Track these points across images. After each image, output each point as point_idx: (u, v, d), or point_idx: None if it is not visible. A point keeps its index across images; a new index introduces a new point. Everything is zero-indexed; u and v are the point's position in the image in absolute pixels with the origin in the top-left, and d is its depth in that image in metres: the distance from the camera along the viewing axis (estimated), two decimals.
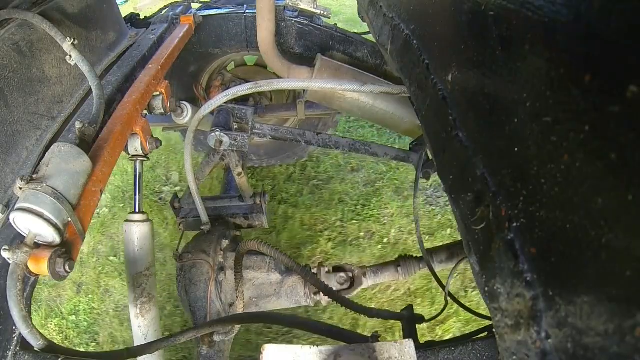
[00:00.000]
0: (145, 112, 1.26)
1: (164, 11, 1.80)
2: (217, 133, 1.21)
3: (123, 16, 1.63)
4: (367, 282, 1.21)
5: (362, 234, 2.25)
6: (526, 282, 0.34)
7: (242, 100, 1.81)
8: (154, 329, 1.19)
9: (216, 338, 1.04)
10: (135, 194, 1.20)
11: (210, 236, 1.23)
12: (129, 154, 1.17)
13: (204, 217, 1.26)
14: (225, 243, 1.21)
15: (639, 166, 0.25)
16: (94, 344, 1.88)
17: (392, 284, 1.96)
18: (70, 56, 0.99)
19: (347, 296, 1.08)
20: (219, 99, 1.10)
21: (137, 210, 1.19)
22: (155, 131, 1.55)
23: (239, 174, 1.35)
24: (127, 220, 1.17)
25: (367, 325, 1.83)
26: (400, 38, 0.77)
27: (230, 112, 1.32)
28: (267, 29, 1.60)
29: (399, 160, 1.49)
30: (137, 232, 1.16)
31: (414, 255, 1.23)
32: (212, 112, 1.42)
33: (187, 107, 1.51)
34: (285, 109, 2.01)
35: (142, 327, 1.16)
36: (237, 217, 1.41)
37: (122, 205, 2.50)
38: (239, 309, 1.09)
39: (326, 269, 1.19)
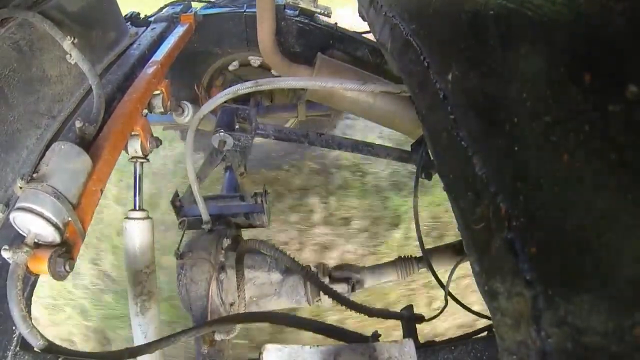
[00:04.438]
0: (145, 111, 1.26)
1: (164, 10, 1.80)
2: (220, 133, 1.22)
3: (123, 15, 1.63)
4: (367, 283, 1.21)
5: None
6: (526, 281, 0.34)
7: (243, 101, 1.82)
8: (154, 326, 1.19)
9: (217, 337, 1.04)
10: (135, 193, 1.21)
11: (211, 235, 1.23)
12: (128, 153, 1.17)
13: (206, 215, 1.26)
14: (226, 242, 1.21)
15: (638, 166, 0.25)
16: None
17: None
18: (70, 55, 0.99)
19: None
20: (219, 97, 1.10)
21: (137, 208, 1.19)
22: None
23: (241, 174, 1.35)
24: (127, 218, 1.17)
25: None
26: (400, 37, 0.76)
27: (234, 112, 1.32)
28: (268, 27, 1.60)
29: (401, 160, 1.49)
30: (137, 229, 1.16)
31: (414, 256, 1.23)
32: (214, 113, 1.42)
33: (188, 107, 1.51)
34: (286, 109, 2.01)
35: (142, 325, 1.16)
36: (238, 216, 1.41)
37: None
38: (240, 308, 1.09)
39: (327, 270, 1.19)
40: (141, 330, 1.16)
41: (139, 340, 1.17)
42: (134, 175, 1.20)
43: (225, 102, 1.25)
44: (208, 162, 1.44)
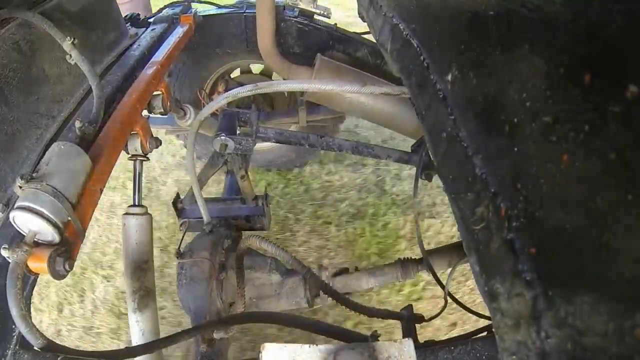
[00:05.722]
0: (145, 112, 1.26)
1: (164, 11, 1.80)
2: (222, 137, 1.23)
3: (123, 15, 1.63)
4: (367, 284, 1.21)
5: None
6: (526, 281, 0.34)
7: (245, 107, 1.83)
8: (152, 324, 1.18)
9: (216, 336, 1.04)
10: (134, 190, 1.21)
11: (212, 236, 1.23)
12: (128, 153, 1.17)
13: (207, 217, 1.27)
14: (227, 242, 1.21)
15: (638, 166, 0.25)
16: None
17: None
18: (70, 55, 0.99)
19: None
20: (220, 101, 1.10)
21: (136, 204, 1.19)
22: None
23: (242, 177, 1.35)
24: (125, 213, 1.17)
25: None
26: (400, 38, 0.77)
27: (235, 116, 1.33)
28: (267, 28, 1.60)
29: (401, 162, 1.49)
30: (135, 224, 1.16)
31: (414, 258, 1.23)
32: (216, 117, 1.42)
33: (190, 110, 1.52)
34: (287, 115, 2.02)
35: (139, 322, 1.16)
36: (239, 219, 1.41)
37: None
38: (239, 308, 1.09)
39: (327, 270, 1.20)
40: (138, 327, 1.16)
41: (136, 337, 1.16)
42: (133, 173, 1.21)
43: (227, 106, 1.25)
44: (209, 165, 1.44)
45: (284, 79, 1.71)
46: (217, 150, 1.26)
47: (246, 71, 2.26)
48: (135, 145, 1.14)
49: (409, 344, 0.64)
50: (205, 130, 1.72)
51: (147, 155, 1.20)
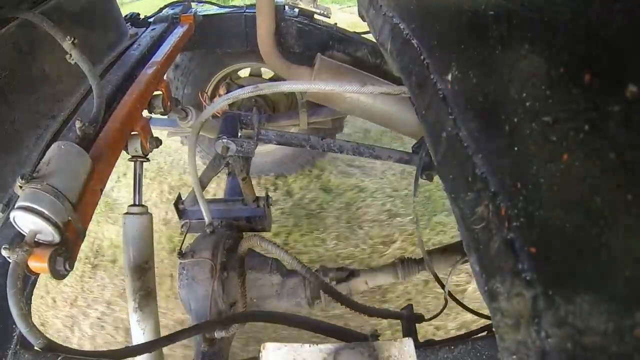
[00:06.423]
0: (146, 112, 1.26)
1: (164, 10, 1.80)
2: (224, 140, 1.23)
3: (123, 15, 1.63)
4: (367, 283, 1.21)
5: None
6: (526, 281, 0.34)
7: (246, 110, 1.84)
8: (152, 323, 1.18)
9: (217, 335, 1.04)
10: (135, 190, 1.21)
11: (213, 236, 1.24)
12: (128, 154, 1.17)
13: (208, 218, 1.27)
14: (229, 243, 1.21)
15: (638, 166, 0.25)
16: None
17: None
18: (71, 55, 0.99)
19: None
20: (221, 101, 1.10)
21: (137, 203, 1.19)
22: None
23: (244, 179, 1.36)
24: (126, 213, 1.17)
25: None
26: (400, 38, 0.77)
27: (237, 118, 1.34)
28: (267, 28, 1.60)
29: (402, 162, 1.49)
30: (136, 223, 1.16)
31: (414, 257, 1.23)
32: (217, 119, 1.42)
33: (192, 112, 1.52)
34: (288, 117, 2.02)
35: (140, 321, 1.16)
36: (240, 220, 1.41)
37: None
38: (241, 308, 1.09)
39: (327, 271, 1.20)
40: (139, 326, 1.16)
41: (137, 337, 1.16)
42: (134, 174, 1.21)
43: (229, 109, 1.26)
44: (211, 166, 1.44)
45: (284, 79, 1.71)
46: (219, 153, 1.26)
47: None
48: (135, 144, 1.14)
49: (409, 343, 0.64)
50: (207, 132, 1.72)
51: (147, 156, 1.20)
